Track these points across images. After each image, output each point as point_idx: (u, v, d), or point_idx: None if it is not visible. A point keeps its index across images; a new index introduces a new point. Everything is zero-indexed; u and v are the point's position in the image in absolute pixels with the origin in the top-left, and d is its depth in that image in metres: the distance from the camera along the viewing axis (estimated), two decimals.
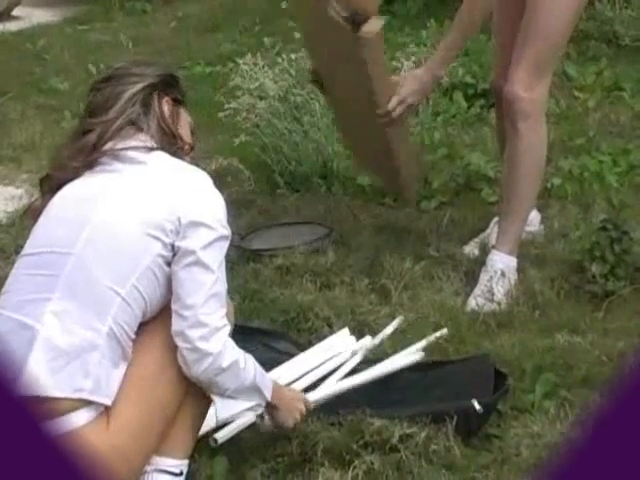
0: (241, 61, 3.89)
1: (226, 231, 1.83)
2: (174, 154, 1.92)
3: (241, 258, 2.92)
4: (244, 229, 3.20)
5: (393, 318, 2.49)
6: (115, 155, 1.86)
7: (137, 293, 1.77)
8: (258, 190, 3.51)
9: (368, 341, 2.37)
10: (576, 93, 4.44)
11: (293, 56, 3.85)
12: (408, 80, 2.65)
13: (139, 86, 1.93)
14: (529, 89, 2.55)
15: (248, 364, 1.85)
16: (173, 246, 1.80)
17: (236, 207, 3.27)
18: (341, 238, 3.07)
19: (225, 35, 6.09)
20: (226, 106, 3.68)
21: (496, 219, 2.92)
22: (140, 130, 1.91)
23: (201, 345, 1.76)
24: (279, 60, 3.84)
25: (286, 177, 3.54)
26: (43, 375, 1.69)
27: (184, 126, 2.01)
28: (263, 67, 3.81)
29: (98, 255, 1.78)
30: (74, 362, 1.70)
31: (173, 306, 1.80)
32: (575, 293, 2.59)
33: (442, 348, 2.37)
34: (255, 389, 1.87)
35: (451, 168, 3.49)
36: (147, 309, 1.80)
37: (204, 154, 3.71)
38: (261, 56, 3.90)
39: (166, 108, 1.96)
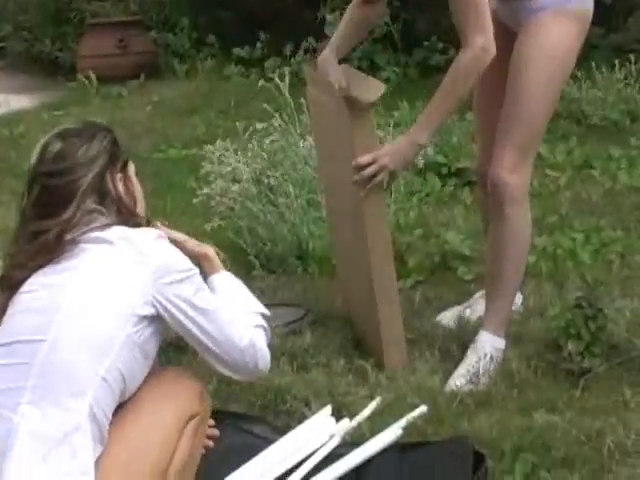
0: (214, 147, 3.93)
1: (195, 269, 1.93)
2: (133, 223, 1.94)
3: None
4: None
5: (371, 399, 2.47)
6: (78, 240, 1.86)
7: (116, 372, 1.76)
8: (234, 273, 3.49)
9: (346, 424, 2.34)
10: (548, 171, 4.51)
11: (267, 140, 3.90)
12: (388, 147, 2.63)
13: (89, 177, 1.90)
14: (515, 174, 2.55)
15: None
16: (153, 318, 1.81)
17: None
18: (318, 319, 3.06)
19: (201, 118, 6.16)
20: (199, 192, 3.70)
21: (477, 295, 2.93)
22: (100, 214, 1.91)
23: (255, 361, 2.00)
24: (252, 144, 3.88)
25: (262, 259, 3.55)
26: (30, 464, 1.66)
27: (138, 193, 2.02)
28: (236, 151, 3.85)
29: (73, 338, 1.77)
30: (60, 447, 1.69)
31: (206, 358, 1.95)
32: (552, 371, 2.59)
33: (420, 429, 2.35)
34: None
35: (427, 247, 3.52)
36: (126, 388, 1.79)
37: None
38: (235, 139, 3.94)
39: (120, 186, 1.96)
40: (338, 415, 2.40)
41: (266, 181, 3.72)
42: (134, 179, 2.03)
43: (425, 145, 2.62)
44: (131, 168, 2.03)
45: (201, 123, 6.00)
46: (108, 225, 1.89)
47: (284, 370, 2.68)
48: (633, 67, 5.37)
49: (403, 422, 2.28)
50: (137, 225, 1.95)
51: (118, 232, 1.89)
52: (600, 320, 2.62)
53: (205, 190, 3.74)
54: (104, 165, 1.93)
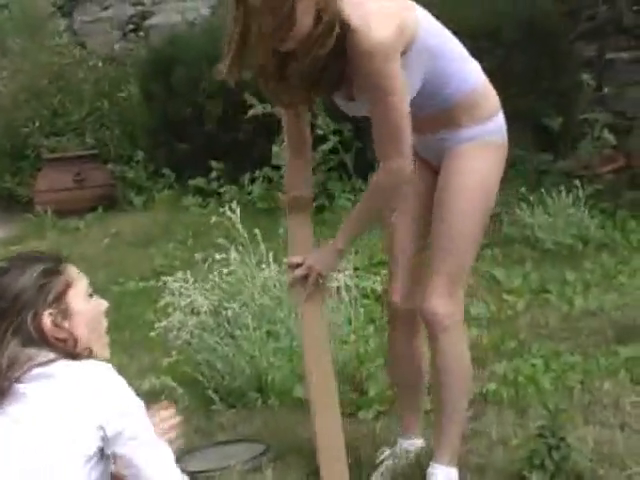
0: (171, 278, 3.92)
1: (139, 403, 1.87)
2: (76, 358, 1.87)
3: None
4: (179, 450, 3.11)
5: None
6: (20, 380, 1.81)
7: None
8: (193, 408, 3.45)
9: None
10: (505, 296, 4.55)
11: (225, 270, 3.89)
12: (315, 251, 2.69)
13: (6, 323, 1.84)
14: (449, 304, 2.55)
15: None
16: (101, 454, 1.79)
17: None
18: (279, 455, 3.00)
19: (159, 249, 6.17)
20: (157, 325, 3.67)
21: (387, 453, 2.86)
22: (37, 351, 1.85)
23: None
24: (212, 274, 3.87)
25: (221, 393, 3.50)
26: None
27: (81, 322, 1.92)
28: (194, 282, 3.84)
29: None
30: None
31: None
32: None
33: None
34: None
35: (387, 376, 3.49)
36: None
37: (136, 374, 3.67)
38: (193, 271, 3.93)
39: (48, 322, 1.88)
40: None
41: (224, 313, 3.70)
42: (79, 306, 1.93)
43: (343, 251, 2.67)
44: (73, 295, 1.93)
45: (159, 255, 6.00)
46: (52, 360, 1.84)
47: None
48: (581, 192, 5.49)
49: None
50: (79, 355, 1.88)
51: (61, 366, 1.83)
52: (563, 450, 2.60)
53: (163, 323, 3.71)
54: (26, 306, 1.86)
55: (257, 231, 3.84)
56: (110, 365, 1.90)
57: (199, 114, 7.24)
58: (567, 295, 4.51)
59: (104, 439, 1.80)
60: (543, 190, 5.60)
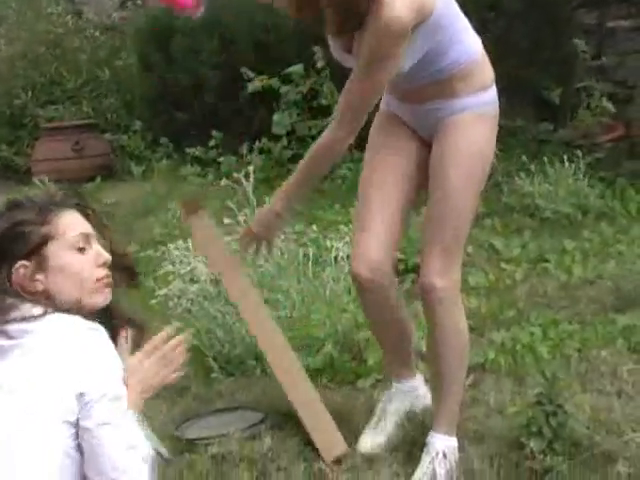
0: (172, 246, 3.92)
1: (121, 392, 1.79)
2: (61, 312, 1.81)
3: (176, 448, 2.85)
4: (178, 417, 3.14)
5: None
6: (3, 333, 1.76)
7: None
8: (192, 376, 3.46)
9: None
10: (503, 265, 4.55)
11: (227, 238, 3.89)
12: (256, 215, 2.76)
13: None
14: (446, 276, 2.54)
15: None
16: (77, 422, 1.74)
17: (170, 395, 3.23)
18: (277, 422, 3.02)
19: (157, 219, 6.15)
20: (157, 293, 3.67)
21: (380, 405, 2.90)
22: (19, 300, 1.79)
23: None
24: None
25: (220, 361, 3.51)
26: None
27: (62, 276, 1.84)
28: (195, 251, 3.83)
29: (13, 461, 1.71)
30: None
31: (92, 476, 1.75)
32: (515, 471, 2.56)
33: None
34: None
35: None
36: None
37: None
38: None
39: (20, 275, 1.81)
40: None
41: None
42: (61, 259, 1.84)
43: (281, 214, 2.70)
44: (54, 246, 1.83)
45: (158, 224, 5.99)
46: (37, 316, 1.77)
47: (243, 477, 2.63)
48: (582, 162, 5.49)
49: None
50: (69, 309, 1.82)
51: (45, 325, 1.77)
52: (561, 417, 2.61)
53: (163, 291, 3.71)
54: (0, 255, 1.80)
55: (267, 199, 3.83)
56: (97, 326, 1.81)
57: (198, 84, 7.21)
58: (566, 264, 4.51)
59: (80, 407, 1.75)
60: (544, 159, 5.59)
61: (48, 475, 1.71)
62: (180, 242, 3.90)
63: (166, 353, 1.95)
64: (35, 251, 1.82)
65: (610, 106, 6.14)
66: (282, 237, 3.85)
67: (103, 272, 1.91)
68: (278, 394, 3.20)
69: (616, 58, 6.68)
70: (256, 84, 6.62)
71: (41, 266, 1.82)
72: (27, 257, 1.82)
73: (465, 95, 2.54)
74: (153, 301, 3.68)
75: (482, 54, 2.59)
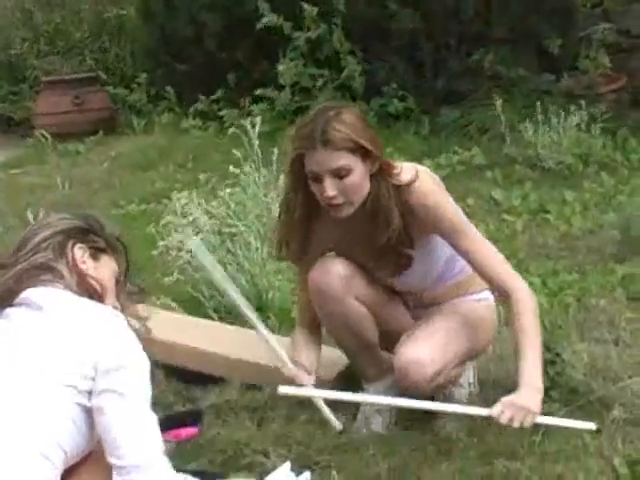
0: (177, 196, 3.91)
1: (141, 363, 1.85)
2: (89, 297, 1.93)
3: (177, 399, 2.89)
4: None
5: (334, 447, 2.47)
6: (29, 304, 1.86)
7: (57, 448, 1.73)
8: None
9: (307, 477, 2.33)
10: (504, 216, 4.56)
11: (228, 190, 3.89)
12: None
13: (48, 232, 1.95)
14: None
15: None
16: (90, 392, 1.78)
17: None
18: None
19: (159, 173, 6.16)
20: (159, 243, 3.68)
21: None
22: (59, 277, 1.91)
23: None
24: (222, 191, 3.88)
25: (220, 312, 3.53)
26: None
27: (105, 274, 2.01)
28: (198, 203, 3.83)
29: (12, 418, 1.74)
30: None
31: (109, 459, 1.79)
32: None
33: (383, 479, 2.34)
34: None
35: None
36: (68, 460, 1.77)
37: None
38: (196, 192, 3.93)
39: (79, 254, 1.97)
40: (299, 466, 2.38)
41: (227, 231, 3.70)
42: (108, 262, 2.04)
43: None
44: (109, 258, 2.05)
45: (159, 178, 6.00)
46: (60, 287, 1.90)
47: (244, 424, 2.66)
48: (584, 113, 5.46)
49: None
50: (98, 298, 1.97)
51: (72, 302, 1.88)
52: (559, 365, 2.64)
53: (164, 242, 3.72)
54: (66, 230, 1.98)
55: (275, 150, 3.84)
56: (120, 314, 1.94)
57: (199, 32, 7.15)
58: (566, 215, 4.52)
59: (92, 387, 1.80)
60: (546, 110, 5.57)
61: (47, 432, 1.74)
62: (184, 193, 3.89)
63: None
64: (95, 248, 2.02)
65: (606, 61, 6.09)
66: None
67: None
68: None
69: (620, 6, 6.62)
70: (271, 18, 6.51)
71: (95, 257, 2.02)
72: (87, 245, 2.02)
73: (479, 290, 2.63)
74: (154, 252, 3.69)
75: None
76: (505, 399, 2.28)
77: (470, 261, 2.45)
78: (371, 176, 2.37)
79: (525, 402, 2.26)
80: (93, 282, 1.98)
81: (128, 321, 1.93)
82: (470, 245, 2.43)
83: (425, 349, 2.41)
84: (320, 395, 2.43)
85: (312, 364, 2.56)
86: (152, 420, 1.86)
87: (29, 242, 1.95)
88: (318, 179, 2.33)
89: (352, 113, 2.35)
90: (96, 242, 2.03)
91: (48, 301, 1.86)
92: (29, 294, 1.87)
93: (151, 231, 3.92)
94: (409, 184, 2.39)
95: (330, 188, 2.31)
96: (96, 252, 2.02)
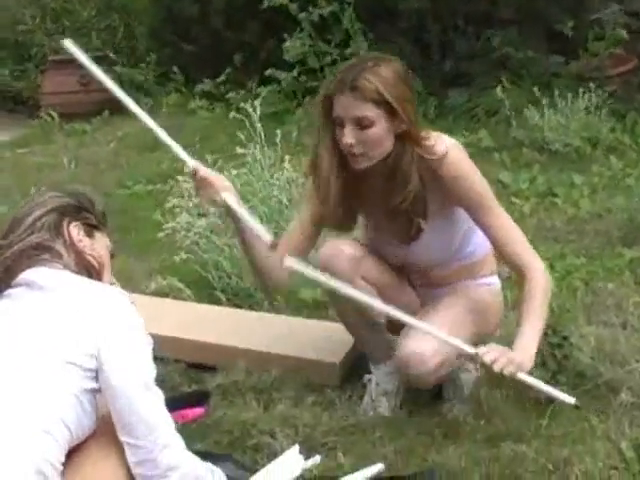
0: (181, 178, 3.91)
1: (145, 343, 1.86)
2: (88, 275, 1.95)
3: (183, 379, 2.89)
4: None
5: (340, 429, 2.48)
6: (29, 284, 1.86)
7: (60, 424, 1.74)
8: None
9: (317, 460, 2.32)
10: (512, 199, 4.55)
11: (234, 172, 3.89)
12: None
13: (41, 211, 1.96)
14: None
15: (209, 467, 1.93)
16: (96, 371, 1.78)
17: None
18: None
19: (165, 153, 6.13)
20: (165, 226, 3.68)
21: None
22: (57, 257, 1.91)
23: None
24: (226, 173, 3.86)
25: (228, 293, 3.53)
26: None
27: (101, 250, 2.03)
28: None
29: (15, 395, 1.74)
30: None
31: (122, 438, 1.81)
32: (519, 400, 2.58)
33: (390, 461, 2.34)
34: None
35: None
36: (73, 439, 1.77)
37: (143, 275, 3.70)
38: None
39: (75, 232, 1.98)
40: (307, 449, 2.38)
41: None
42: (102, 239, 2.06)
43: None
44: (102, 235, 2.07)
45: (166, 158, 5.97)
46: (59, 267, 1.91)
47: (251, 405, 2.67)
48: (593, 95, 5.44)
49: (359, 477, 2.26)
50: (95, 275, 1.98)
51: (73, 281, 1.88)
52: (566, 348, 2.64)
53: (171, 224, 3.72)
54: (59, 208, 1.98)
55: (278, 132, 3.83)
56: (126, 293, 1.94)
57: (205, 12, 7.12)
58: (574, 198, 4.50)
59: (97, 366, 1.81)
60: (555, 92, 5.54)
61: (50, 408, 1.75)
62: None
63: None
64: (88, 225, 2.03)
65: (624, 34, 6.03)
66: (291, 170, 3.85)
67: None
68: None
69: None
70: None
71: (90, 234, 2.04)
72: (81, 223, 2.03)
73: (487, 274, 2.64)
74: (161, 234, 3.69)
75: None
76: (495, 344, 2.30)
77: (492, 236, 2.43)
78: (397, 137, 2.35)
79: (513, 355, 2.25)
80: (91, 259, 1.99)
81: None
82: (495, 220, 2.41)
83: (428, 342, 2.37)
84: (326, 282, 2.27)
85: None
86: (160, 398, 1.87)
87: (22, 222, 1.95)
88: (341, 124, 2.33)
89: (391, 68, 2.33)
90: (88, 219, 2.04)
91: (48, 281, 1.86)
92: (28, 274, 1.87)
93: (158, 211, 3.92)
94: (441, 157, 2.38)
95: (349, 135, 2.30)
96: (90, 229, 2.03)
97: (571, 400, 2.28)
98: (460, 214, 2.50)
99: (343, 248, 2.54)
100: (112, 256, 2.10)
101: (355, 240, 2.64)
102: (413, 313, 2.48)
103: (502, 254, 2.46)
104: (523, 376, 2.25)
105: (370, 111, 2.29)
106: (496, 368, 2.21)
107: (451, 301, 2.56)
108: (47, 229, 1.95)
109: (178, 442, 1.87)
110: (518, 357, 2.25)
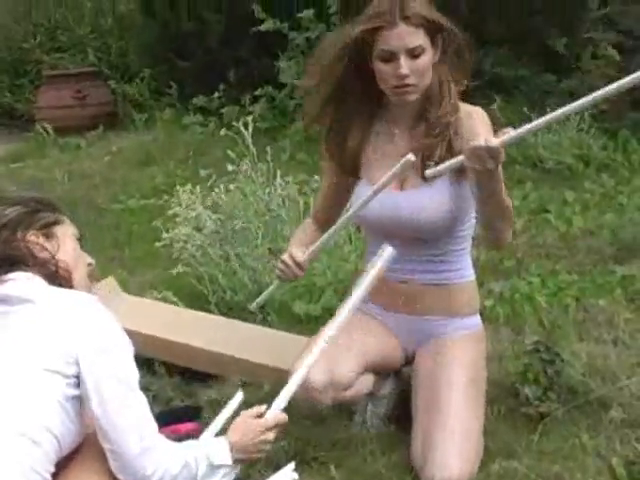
0: (181, 189, 3.91)
1: (124, 344, 1.84)
2: (58, 284, 1.90)
3: (176, 394, 2.90)
4: None
5: (332, 443, 2.48)
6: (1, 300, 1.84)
7: (48, 434, 1.74)
8: None
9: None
10: None
11: (231, 186, 3.90)
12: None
13: None
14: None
15: (191, 456, 1.89)
16: (78, 377, 1.78)
17: None
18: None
19: (160, 168, 6.17)
20: (164, 235, 3.68)
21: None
22: (22, 269, 1.87)
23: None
24: (218, 188, 3.88)
25: (221, 307, 3.54)
26: None
27: (66, 254, 1.97)
28: (203, 198, 3.83)
29: (0, 406, 1.74)
30: None
31: (104, 445, 1.81)
32: (510, 416, 2.59)
33: (384, 476, 2.34)
34: (214, 467, 1.93)
35: None
36: (61, 448, 1.77)
37: (137, 289, 3.71)
38: (199, 187, 3.94)
39: (34, 241, 1.92)
40: (299, 461, 2.38)
41: (229, 227, 3.71)
42: (65, 241, 1.99)
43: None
44: (62, 230, 2.00)
45: (160, 173, 6.01)
46: (30, 279, 1.87)
47: None
48: (586, 113, 5.47)
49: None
50: (63, 280, 1.92)
51: (43, 290, 1.86)
52: (557, 364, 2.64)
53: (170, 234, 3.72)
54: (15, 221, 1.92)
55: (268, 149, 3.84)
56: (95, 297, 1.90)
57: (201, 30, 7.16)
58: (566, 215, 4.53)
59: (78, 372, 1.79)
60: (547, 110, 5.56)
61: (35, 416, 1.74)
62: (188, 186, 3.89)
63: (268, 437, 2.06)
64: (47, 227, 1.96)
65: (616, 54, 6.07)
66: (284, 186, 3.86)
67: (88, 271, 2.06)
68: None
69: (621, 7, 6.61)
70: (269, 24, 6.54)
71: (50, 238, 1.96)
72: (39, 230, 1.96)
73: (464, 315, 2.55)
74: (159, 243, 3.69)
75: None
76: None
77: None
78: (433, 68, 2.35)
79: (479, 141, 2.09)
80: (59, 270, 1.92)
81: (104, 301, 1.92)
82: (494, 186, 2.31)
83: (454, 461, 2.26)
84: None
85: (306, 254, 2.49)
86: (143, 402, 1.85)
87: None
88: (392, 57, 2.31)
89: None
90: (44, 218, 1.97)
91: (20, 295, 1.82)
92: (19, 294, 1.83)
93: (153, 225, 3.92)
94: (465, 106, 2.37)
95: (405, 66, 2.30)
96: (49, 229, 1.96)
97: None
98: (470, 204, 2.41)
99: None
100: (80, 240, 2.04)
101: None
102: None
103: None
104: (505, 137, 2.10)
105: (422, 39, 2.28)
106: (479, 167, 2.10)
107: (453, 398, 2.38)
108: (2, 244, 1.88)
109: (162, 443, 1.86)
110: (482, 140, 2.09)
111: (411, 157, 2.22)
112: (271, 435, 2.07)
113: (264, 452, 2.09)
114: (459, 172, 2.36)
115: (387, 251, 2.21)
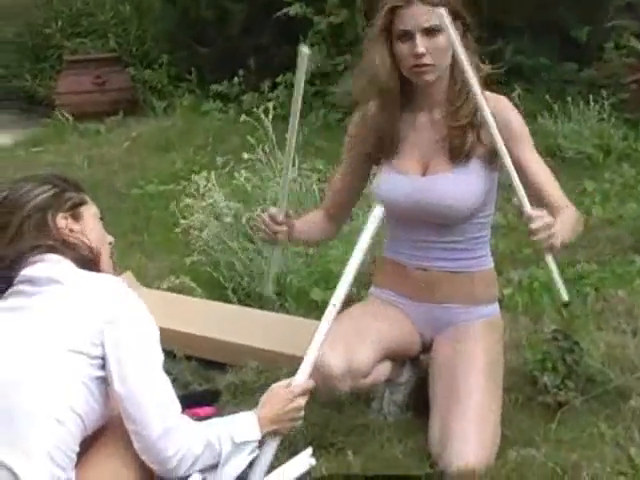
0: (196, 177, 3.92)
1: (150, 326, 1.85)
2: (86, 266, 1.92)
3: (194, 378, 2.91)
4: None
5: (350, 430, 2.48)
6: (28, 281, 1.86)
7: (72, 413, 1.75)
8: None
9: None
10: None
11: (243, 173, 3.90)
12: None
13: (24, 213, 1.92)
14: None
15: (214, 436, 1.90)
16: (103, 358, 1.79)
17: None
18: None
19: (179, 154, 6.18)
20: (182, 222, 3.69)
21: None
22: (52, 251, 1.90)
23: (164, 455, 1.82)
24: (238, 173, 3.89)
25: (239, 294, 3.55)
26: None
27: (93, 230, 2.00)
28: (221, 186, 3.84)
29: (25, 385, 1.75)
30: None
31: (128, 426, 1.82)
32: (529, 405, 2.58)
33: (400, 462, 2.34)
34: (239, 445, 1.94)
35: None
36: (86, 427, 1.78)
37: (155, 274, 3.72)
38: (215, 174, 3.95)
39: (63, 224, 1.95)
40: (316, 446, 2.38)
41: (247, 215, 3.72)
42: (88, 214, 2.02)
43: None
44: (87, 210, 2.03)
45: (179, 159, 6.01)
46: (59, 262, 1.89)
47: None
48: (606, 102, 5.44)
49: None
50: (91, 263, 1.95)
51: (72, 273, 1.88)
52: (576, 353, 2.63)
53: (186, 221, 3.74)
54: (44, 203, 1.94)
55: (286, 135, 3.82)
56: (121, 279, 1.94)
57: (222, 17, 7.15)
58: (586, 205, 4.50)
59: (103, 353, 1.81)
60: (568, 99, 5.54)
61: (60, 396, 1.76)
62: (203, 174, 3.90)
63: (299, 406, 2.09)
64: (74, 208, 1.99)
65: (638, 44, 6.03)
66: (300, 173, 3.87)
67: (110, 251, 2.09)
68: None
69: None
70: (296, 8, 6.54)
71: (78, 220, 1.99)
72: (67, 212, 1.98)
73: (483, 303, 2.55)
74: (177, 229, 3.70)
75: None
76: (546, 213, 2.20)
77: (529, 173, 2.37)
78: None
79: (555, 231, 2.19)
80: (85, 248, 1.96)
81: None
82: (533, 157, 2.41)
83: (471, 448, 2.26)
84: None
85: (298, 223, 2.55)
86: (167, 383, 1.87)
87: (8, 228, 1.90)
88: (408, 36, 2.32)
89: None
90: (71, 199, 1.99)
91: (49, 276, 1.85)
92: (27, 272, 1.86)
93: (170, 211, 3.93)
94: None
95: (421, 45, 2.30)
96: (75, 210, 1.99)
97: (565, 296, 2.25)
98: (494, 192, 2.46)
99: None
100: (102, 219, 2.07)
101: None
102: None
103: (538, 191, 2.38)
104: (549, 259, 2.23)
105: (438, 19, 2.25)
106: (534, 238, 2.17)
107: (470, 384, 2.38)
108: (35, 229, 1.91)
109: (185, 424, 1.87)
110: (558, 237, 2.19)
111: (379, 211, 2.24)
112: (302, 401, 2.08)
113: (297, 420, 2.10)
114: (490, 160, 2.39)
115: (377, 210, 2.24)
